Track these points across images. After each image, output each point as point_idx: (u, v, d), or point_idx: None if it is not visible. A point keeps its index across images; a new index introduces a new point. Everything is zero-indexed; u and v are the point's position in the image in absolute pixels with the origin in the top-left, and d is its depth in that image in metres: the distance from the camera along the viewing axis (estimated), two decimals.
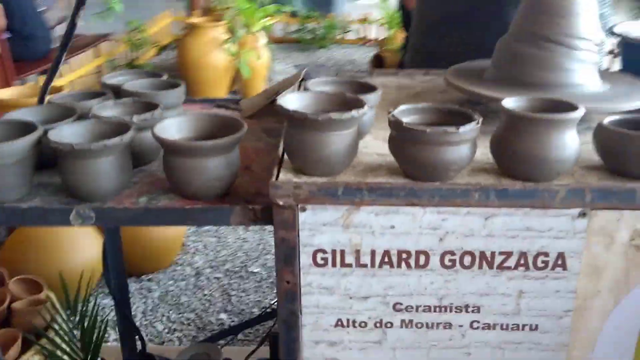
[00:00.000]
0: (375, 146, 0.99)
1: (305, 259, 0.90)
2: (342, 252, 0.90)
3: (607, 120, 0.89)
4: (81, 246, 2.32)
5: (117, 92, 1.13)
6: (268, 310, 1.53)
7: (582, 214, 0.86)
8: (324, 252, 0.90)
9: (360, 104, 0.86)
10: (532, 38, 1.04)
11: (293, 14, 6.17)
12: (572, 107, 0.84)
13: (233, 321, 2.47)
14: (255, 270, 2.82)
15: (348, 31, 6.24)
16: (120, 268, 1.50)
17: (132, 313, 2.46)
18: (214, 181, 0.91)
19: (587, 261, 0.89)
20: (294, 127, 0.85)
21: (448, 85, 1.13)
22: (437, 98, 1.25)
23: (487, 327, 0.94)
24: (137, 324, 2.40)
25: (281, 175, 0.87)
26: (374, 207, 0.87)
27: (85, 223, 0.91)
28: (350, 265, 0.91)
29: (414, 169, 0.85)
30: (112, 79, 1.23)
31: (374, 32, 6.19)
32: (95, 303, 1.54)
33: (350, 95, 0.91)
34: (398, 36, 4.98)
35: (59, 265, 2.10)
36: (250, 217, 0.91)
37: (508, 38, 1.10)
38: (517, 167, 0.86)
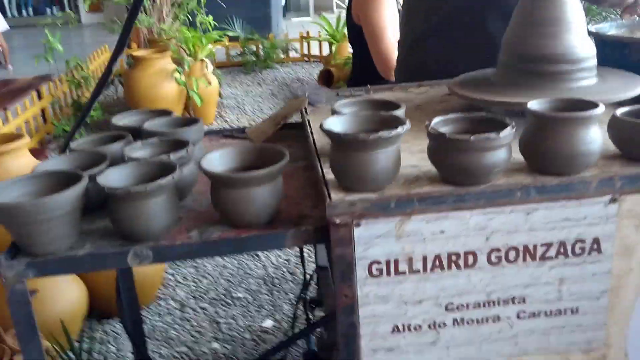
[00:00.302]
0: (405, 158, 1.04)
1: (361, 272, 0.94)
2: (396, 262, 0.94)
3: (619, 112, 0.97)
4: (61, 293, 2.26)
5: (133, 134, 1.15)
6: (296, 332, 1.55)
7: (613, 200, 0.93)
8: (379, 263, 0.94)
9: (398, 121, 0.91)
10: (531, 58, 1.11)
11: (233, 38, 6.21)
12: (594, 105, 0.92)
13: (226, 349, 2.46)
14: (240, 296, 2.81)
15: (291, 49, 6.32)
16: (134, 301, 1.49)
17: (121, 354, 2.42)
18: (264, 208, 0.94)
19: (619, 243, 0.97)
20: (342, 148, 0.89)
21: (453, 94, 1.20)
22: (438, 108, 1.31)
23: (533, 315, 1.00)
24: None
25: (333, 195, 0.91)
26: (424, 215, 0.91)
27: (143, 262, 0.91)
28: (404, 273, 0.95)
29: (459, 175, 0.90)
30: (122, 120, 1.24)
31: (316, 49, 6.29)
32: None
33: (384, 113, 0.96)
34: (343, 50, 5.10)
35: (40, 315, 2.05)
36: (304, 238, 0.94)
37: (507, 57, 1.17)
38: (548, 164, 0.92)
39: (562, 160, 0.90)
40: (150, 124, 1.15)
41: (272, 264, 3.07)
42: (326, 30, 5.50)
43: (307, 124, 1.24)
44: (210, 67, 4.70)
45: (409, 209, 0.90)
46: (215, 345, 2.49)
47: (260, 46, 6.15)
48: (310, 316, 1.58)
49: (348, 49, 5.38)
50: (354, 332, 0.98)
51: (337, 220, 0.89)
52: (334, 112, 1.05)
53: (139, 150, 1.05)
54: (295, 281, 2.90)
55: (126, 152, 1.03)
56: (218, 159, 0.97)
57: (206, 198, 1.06)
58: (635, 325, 1.03)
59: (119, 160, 1.02)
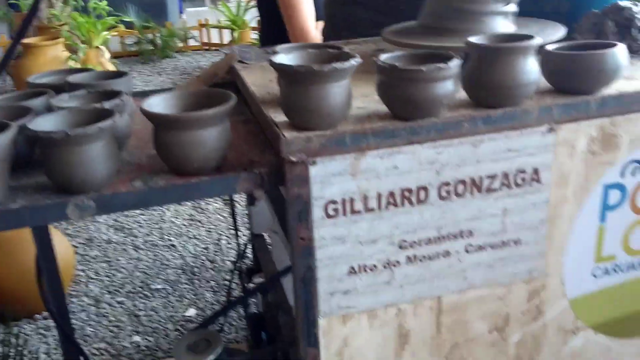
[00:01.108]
0: (355, 103, 1.03)
1: (317, 212, 0.93)
2: (352, 200, 0.94)
3: (550, 47, 1.01)
4: None
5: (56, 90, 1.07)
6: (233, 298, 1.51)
7: (551, 129, 0.98)
8: (335, 202, 0.93)
9: (348, 55, 0.90)
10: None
11: (128, 26, 5.96)
12: (529, 37, 0.95)
13: (149, 341, 2.38)
14: (159, 287, 2.72)
15: (190, 38, 6.17)
16: (58, 283, 1.39)
17: (35, 356, 2.27)
18: (214, 152, 0.90)
19: (556, 172, 1.01)
20: (295, 83, 0.87)
21: (390, 42, 1.21)
22: (370, 62, 1.32)
23: (480, 248, 1.03)
24: None
25: (287, 134, 0.89)
26: (379, 150, 0.91)
27: (85, 214, 0.85)
28: (359, 212, 0.95)
29: (410, 108, 0.91)
30: (40, 79, 1.16)
31: (216, 37, 6.18)
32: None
33: (332, 50, 0.95)
34: (246, 37, 5.04)
35: None
36: (258, 182, 0.91)
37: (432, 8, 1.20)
38: (491, 96, 0.95)
39: (504, 91, 0.93)
40: (75, 78, 1.07)
41: (190, 253, 3.00)
42: (227, 16, 5.41)
43: (241, 77, 1.21)
44: (107, 54, 4.49)
45: (364, 144, 0.90)
46: (137, 338, 2.40)
47: (158, 35, 5.95)
48: (247, 285, 1.55)
49: (250, 36, 5.32)
50: (311, 275, 0.96)
51: (293, 158, 0.87)
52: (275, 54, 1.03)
53: (67, 102, 0.97)
54: (216, 269, 2.85)
55: (54, 103, 0.95)
56: (160, 103, 0.92)
57: (144, 152, 1.01)
58: (571, 253, 1.09)
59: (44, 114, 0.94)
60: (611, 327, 1.18)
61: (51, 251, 1.36)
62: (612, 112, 0.99)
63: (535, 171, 1.00)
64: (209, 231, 3.21)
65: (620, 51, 0.98)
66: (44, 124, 0.86)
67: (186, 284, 2.76)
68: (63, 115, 0.89)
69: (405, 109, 0.92)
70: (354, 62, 0.87)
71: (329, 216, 0.94)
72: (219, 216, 3.38)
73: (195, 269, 2.86)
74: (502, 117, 0.94)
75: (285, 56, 0.92)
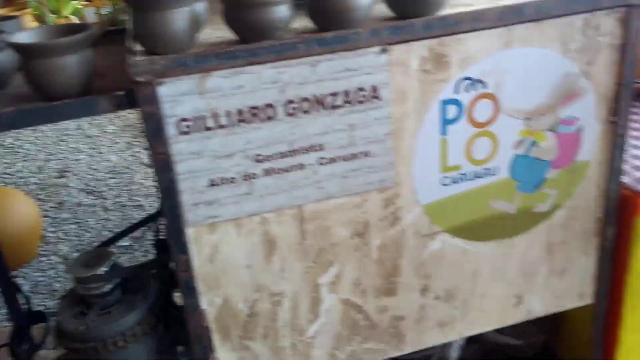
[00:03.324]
0: (213, 34, 1.15)
1: (171, 129, 1.05)
2: (203, 117, 1.06)
3: None
4: None
5: None
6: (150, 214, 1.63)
7: (383, 50, 1.10)
8: (187, 120, 1.05)
9: None
10: None
11: None
12: None
13: None
14: (125, 244, 2.84)
15: None
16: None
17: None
18: (74, 78, 1.01)
19: (394, 89, 1.14)
20: (140, 10, 0.98)
21: None
22: None
23: (332, 161, 1.16)
24: None
25: (136, 58, 1.00)
26: (222, 71, 1.03)
27: None
28: (211, 128, 1.07)
29: (248, 32, 1.03)
30: None
31: None
32: None
33: None
34: None
35: None
36: (116, 102, 1.03)
37: None
38: (325, 19, 1.07)
39: (337, 15, 1.05)
40: None
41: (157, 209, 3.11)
42: None
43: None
44: None
45: (207, 65, 1.01)
46: None
47: None
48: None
49: None
50: (173, 187, 1.08)
51: (140, 79, 0.99)
52: None
53: None
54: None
55: None
56: (27, 36, 1.02)
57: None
58: (418, 164, 1.22)
59: None
60: (465, 231, 1.32)
61: None
62: (439, 34, 1.11)
63: (374, 89, 1.13)
64: None
65: None
66: None
67: (151, 239, 2.88)
68: None
69: (244, 32, 1.03)
70: None
71: (182, 132, 1.05)
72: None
73: (161, 226, 2.98)
74: (334, 38, 1.06)
75: None
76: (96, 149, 4.03)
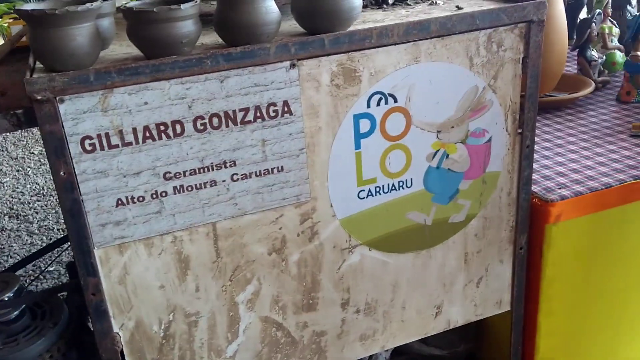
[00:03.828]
0: (120, 50, 1.12)
1: (74, 148, 1.01)
2: (107, 135, 1.03)
3: None
4: None
5: None
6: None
7: (292, 65, 1.10)
8: (91, 138, 1.02)
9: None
10: None
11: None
12: None
13: None
14: (51, 269, 2.73)
15: None
16: None
17: None
18: None
19: (306, 104, 1.14)
20: (36, 27, 0.95)
21: None
22: None
23: (245, 177, 1.15)
24: None
25: (35, 74, 0.96)
26: (126, 87, 1.01)
27: None
28: (117, 146, 1.04)
29: (153, 48, 1.01)
30: None
31: None
32: None
33: None
34: None
35: None
36: (14, 122, 0.99)
37: None
38: (231, 35, 1.06)
39: (243, 30, 1.04)
40: None
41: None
42: None
43: None
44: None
45: (109, 82, 0.99)
46: None
47: None
48: None
49: None
50: (77, 208, 1.05)
51: (39, 97, 0.95)
52: None
53: None
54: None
55: None
56: None
57: None
58: (333, 178, 1.22)
59: None
60: (383, 243, 1.33)
61: None
62: (347, 49, 1.13)
63: (286, 104, 1.13)
64: None
65: None
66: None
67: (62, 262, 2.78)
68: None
69: (149, 48, 1.01)
70: (90, 5, 0.95)
71: (86, 151, 1.02)
72: None
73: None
74: (241, 54, 1.05)
75: (36, 4, 0.99)
76: (22, 171, 3.88)
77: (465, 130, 1.28)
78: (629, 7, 2.46)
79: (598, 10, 2.19)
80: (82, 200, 1.05)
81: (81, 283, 1.11)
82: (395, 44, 1.15)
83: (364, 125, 1.20)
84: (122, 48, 1.14)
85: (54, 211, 3.31)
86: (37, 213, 3.31)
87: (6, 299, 1.20)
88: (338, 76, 1.14)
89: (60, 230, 3.10)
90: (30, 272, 2.62)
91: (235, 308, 1.25)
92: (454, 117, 1.26)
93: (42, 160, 4.00)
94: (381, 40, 1.13)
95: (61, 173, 1.01)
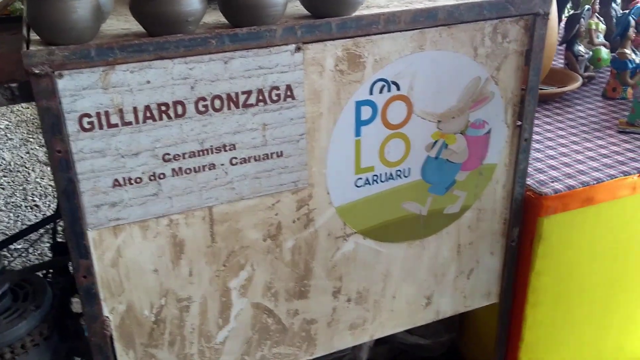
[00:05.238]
0: (118, 25, 1.08)
1: (72, 125, 0.97)
2: (107, 114, 0.99)
3: None
4: None
5: None
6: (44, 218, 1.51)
7: (298, 49, 1.08)
8: (89, 116, 0.98)
9: None
10: None
11: None
12: None
13: None
14: (18, 247, 2.65)
15: None
16: None
17: None
18: None
19: (309, 89, 1.12)
20: None
21: None
22: None
23: (244, 161, 1.12)
24: None
25: (32, 47, 0.92)
26: (128, 64, 0.97)
27: None
28: (116, 125, 1.00)
29: (157, 25, 0.97)
30: None
31: None
32: None
33: None
34: None
35: None
36: (8, 96, 0.94)
37: None
38: (238, 14, 1.03)
39: (249, 10, 1.01)
40: None
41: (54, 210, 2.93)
42: None
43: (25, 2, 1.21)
44: None
45: (111, 58, 0.95)
46: None
47: None
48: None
49: None
50: (72, 187, 1.01)
51: (36, 70, 0.91)
52: None
53: None
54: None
55: None
56: None
57: None
58: (332, 165, 1.20)
59: None
60: (378, 233, 1.32)
61: None
62: (354, 34, 1.10)
63: (289, 88, 1.10)
64: None
65: None
66: None
67: (48, 242, 2.71)
68: None
69: (153, 25, 0.98)
70: None
71: (84, 129, 0.98)
72: None
73: (59, 228, 2.81)
74: (248, 34, 1.02)
75: None
76: None
77: (466, 120, 1.27)
78: (613, 5, 2.48)
79: (587, 6, 2.20)
80: (78, 180, 1.01)
81: (72, 264, 1.07)
82: (401, 31, 1.13)
83: (366, 112, 1.19)
84: (120, 23, 1.10)
85: (21, 187, 3.23)
86: (3, 189, 3.22)
87: None
88: (342, 61, 1.12)
89: (28, 207, 3.02)
90: (13, 250, 2.55)
91: (227, 294, 1.23)
92: (456, 107, 1.25)
93: (8, 135, 3.88)
94: (388, 26, 1.12)
95: (57, 151, 0.97)
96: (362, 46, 1.12)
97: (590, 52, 2.20)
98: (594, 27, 2.25)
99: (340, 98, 1.15)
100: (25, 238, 2.31)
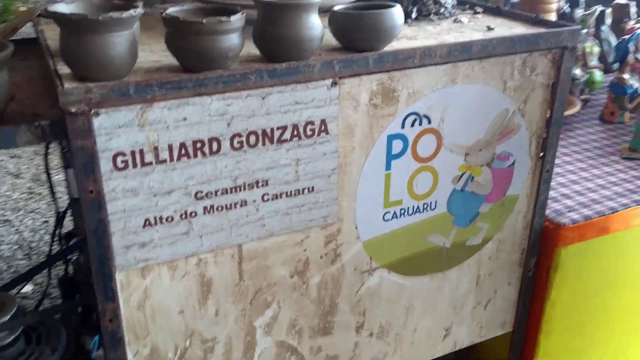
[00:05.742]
0: (147, 57, 1.04)
1: (105, 164, 0.92)
2: (142, 152, 0.94)
3: (337, 7, 1.08)
4: None
5: None
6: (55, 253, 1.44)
7: (334, 83, 1.05)
8: (124, 154, 0.93)
9: (130, 5, 0.90)
10: None
11: None
12: None
13: None
14: None
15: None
16: None
17: None
18: None
19: (342, 123, 1.09)
20: (72, 32, 0.85)
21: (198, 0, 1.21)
22: None
23: (275, 197, 1.09)
24: None
25: (67, 84, 0.87)
26: (166, 102, 0.93)
27: None
28: (150, 164, 0.96)
29: (195, 60, 0.93)
30: None
31: None
32: None
33: (117, 0, 0.94)
34: None
35: None
36: (38, 134, 0.89)
37: None
38: (276, 50, 1.00)
39: (288, 45, 0.98)
40: None
41: (28, 227, 2.82)
42: None
43: (41, 31, 1.15)
44: None
45: (149, 95, 0.91)
46: None
47: None
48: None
49: None
50: (103, 229, 0.96)
51: (73, 109, 0.86)
52: None
53: None
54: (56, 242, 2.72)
55: None
56: None
57: None
58: (361, 199, 1.18)
59: None
60: (403, 266, 1.30)
61: None
62: (390, 68, 1.08)
63: (323, 122, 1.07)
64: (50, 204, 3.02)
65: (396, 11, 1.07)
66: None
67: (22, 259, 2.61)
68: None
69: (191, 61, 0.94)
70: (133, 12, 0.87)
71: (118, 168, 0.94)
72: (62, 188, 3.23)
73: (33, 244, 2.69)
74: (286, 70, 0.99)
75: (64, 5, 0.90)
76: None
77: (492, 153, 1.26)
78: (602, 27, 2.52)
79: (585, 30, 2.23)
80: (109, 221, 0.96)
81: (98, 308, 1.02)
82: (435, 65, 1.12)
83: (397, 146, 1.17)
84: (146, 54, 1.06)
85: None
86: None
87: (1, 321, 1.09)
88: (377, 95, 1.10)
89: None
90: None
91: (252, 332, 1.19)
92: (483, 139, 1.24)
93: None
94: (424, 60, 1.10)
95: (89, 191, 0.92)
96: (397, 80, 1.10)
97: (586, 75, 2.23)
98: (588, 50, 2.28)
99: (372, 132, 1.13)
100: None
